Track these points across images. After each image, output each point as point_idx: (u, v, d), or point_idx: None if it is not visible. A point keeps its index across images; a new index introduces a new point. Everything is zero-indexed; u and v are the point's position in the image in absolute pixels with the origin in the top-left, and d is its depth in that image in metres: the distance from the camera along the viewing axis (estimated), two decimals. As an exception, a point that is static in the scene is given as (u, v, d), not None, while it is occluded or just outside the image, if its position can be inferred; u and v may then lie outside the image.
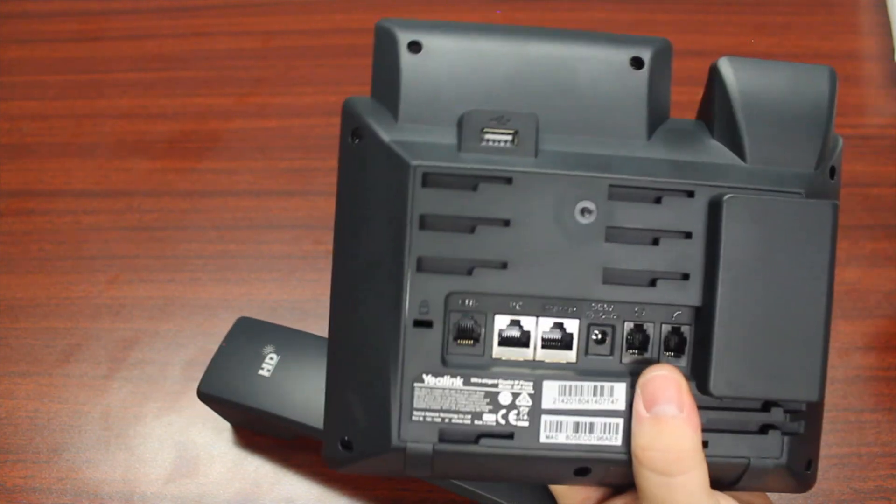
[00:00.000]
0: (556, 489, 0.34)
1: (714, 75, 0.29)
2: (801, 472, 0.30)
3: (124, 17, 0.61)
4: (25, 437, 0.46)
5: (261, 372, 0.42)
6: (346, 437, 0.29)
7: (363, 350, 0.28)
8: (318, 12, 0.61)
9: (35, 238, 0.53)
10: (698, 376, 0.28)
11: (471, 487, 0.39)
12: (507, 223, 0.28)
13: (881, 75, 0.58)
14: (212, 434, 0.46)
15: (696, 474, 0.27)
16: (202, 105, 0.58)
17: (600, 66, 0.29)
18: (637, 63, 0.29)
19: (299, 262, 0.52)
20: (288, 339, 0.43)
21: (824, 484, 0.45)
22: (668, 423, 0.27)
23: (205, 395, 0.43)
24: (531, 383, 0.28)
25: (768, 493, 0.33)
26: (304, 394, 0.41)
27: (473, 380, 0.28)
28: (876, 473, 0.45)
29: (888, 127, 0.56)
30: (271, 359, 0.42)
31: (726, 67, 0.29)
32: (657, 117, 0.29)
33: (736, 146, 0.29)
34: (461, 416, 0.28)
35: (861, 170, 0.54)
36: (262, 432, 0.46)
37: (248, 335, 0.44)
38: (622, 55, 0.29)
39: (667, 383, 0.27)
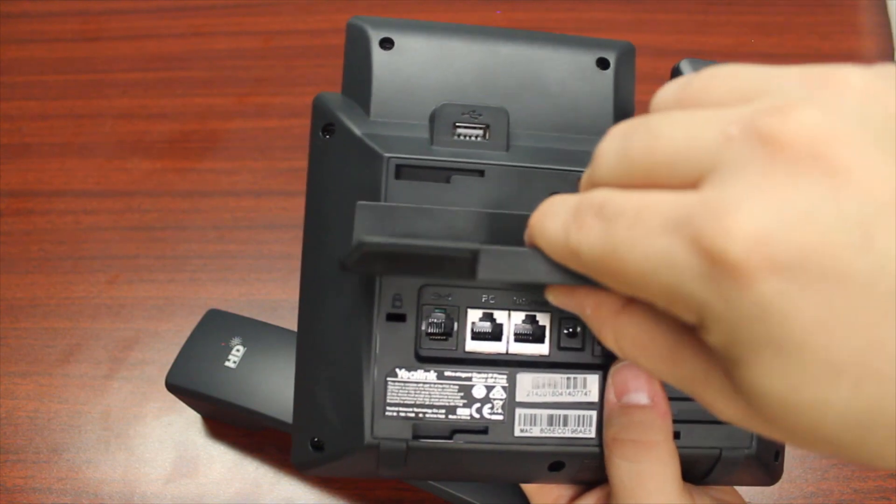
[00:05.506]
0: (529, 489, 0.33)
1: (676, 76, 0.30)
2: (770, 463, 0.30)
3: (124, 17, 0.61)
4: (25, 437, 0.46)
5: (227, 363, 0.42)
6: (317, 438, 0.28)
7: (334, 346, 0.28)
8: (318, 12, 0.61)
9: (35, 238, 0.53)
10: None
11: (461, 495, 0.39)
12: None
13: (881, 75, 0.58)
14: (212, 434, 0.46)
15: (666, 464, 0.27)
16: (202, 105, 0.58)
17: (568, 67, 0.30)
18: (603, 64, 0.30)
19: (299, 263, 0.52)
20: (254, 332, 0.44)
21: (824, 484, 0.45)
22: (637, 411, 0.27)
23: (172, 387, 0.43)
24: (505, 376, 0.28)
25: (745, 497, 0.33)
26: (268, 385, 0.42)
27: (447, 373, 0.28)
28: (876, 473, 0.45)
29: (888, 127, 0.56)
30: (237, 350, 0.43)
31: (688, 69, 0.30)
32: (622, 115, 0.30)
33: None
34: (435, 410, 0.28)
35: (861, 170, 0.54)
36: (231, 423, 0.46)
37: (217, 327, 0.44)
38: (589, 56, 0.30)
39: (637, 372, 0.27)
